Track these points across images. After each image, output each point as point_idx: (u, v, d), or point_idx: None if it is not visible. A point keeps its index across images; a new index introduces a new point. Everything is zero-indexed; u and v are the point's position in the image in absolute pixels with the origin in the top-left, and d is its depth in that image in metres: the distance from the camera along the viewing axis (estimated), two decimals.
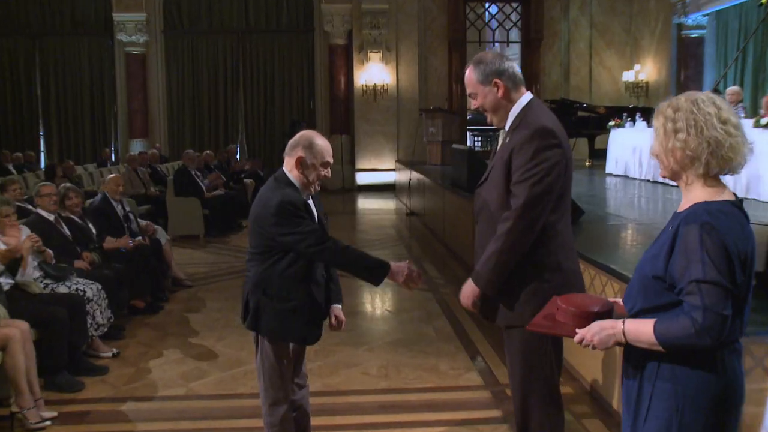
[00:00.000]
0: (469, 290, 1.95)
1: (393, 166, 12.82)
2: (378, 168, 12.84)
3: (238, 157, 11.77)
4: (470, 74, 1.95)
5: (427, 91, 12.93)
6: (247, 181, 9.89)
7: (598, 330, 1.40)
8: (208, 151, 9.59)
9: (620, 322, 1.39)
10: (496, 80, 1.92)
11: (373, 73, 12.48)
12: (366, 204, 11.19)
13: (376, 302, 4.96)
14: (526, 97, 1.94)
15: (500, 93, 1.92)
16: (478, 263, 1.92)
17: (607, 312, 1.46)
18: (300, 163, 2.13)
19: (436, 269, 5.77)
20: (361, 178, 12.76)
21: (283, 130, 12.74)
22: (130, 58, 12.63)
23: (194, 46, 12.91)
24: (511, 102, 1.93)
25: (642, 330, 1.34)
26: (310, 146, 2.12)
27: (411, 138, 12.30)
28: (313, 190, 2.18)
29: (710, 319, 1.23)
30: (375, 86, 12.52)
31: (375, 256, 2.15)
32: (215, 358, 3.70)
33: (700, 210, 1.29)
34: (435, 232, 7.50)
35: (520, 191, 1.83)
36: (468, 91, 1.99)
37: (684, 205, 1.36)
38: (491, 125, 2.05)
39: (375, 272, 2.08)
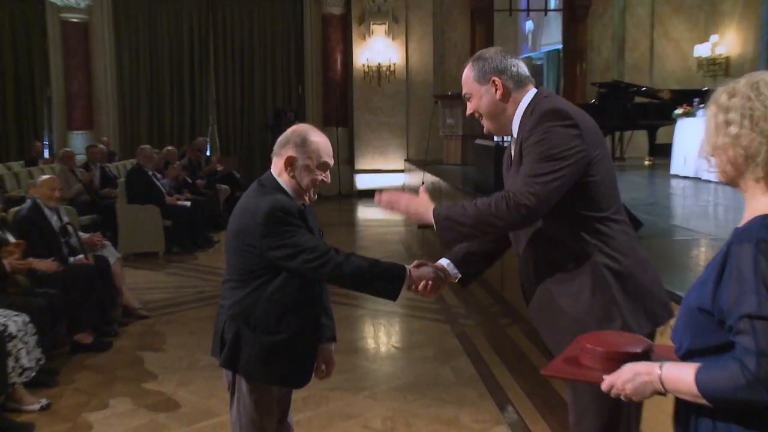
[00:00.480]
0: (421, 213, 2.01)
1: (401, 167, 12.87)
2: (382, 169, 12.90)
3: (208, 154, 11.85)
4: (467, 72, 2.04)
5: (444, 73, 13.01)
6: (220, 186, 9.97)
7: (631, 375, 1.36)
8: (169, 147, 9.64)
9: (658, 365, 1.34)
10: (495, 78, 1.98)
11: (377, 50, 12.56)
12: (367, 213, 11.23)
13: (380, 336, 4.95)
14: (531, 92, 2.00)
15: (498, 94, 1.98)
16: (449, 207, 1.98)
17: (644, 353, 1.43)
18: (290, 165, 2.15)
19: (454, 295, 5.75)
20: (362, 182, 12.82)
21: (265, 122, 12.84)
22: (68, 27, 12.33)
23: (152, 13, 12.90)
24: (514, 104, 1.99)
25: (682, 378, 1.29)
26: (303, 143, 2.14)
27: (424, 131, 12.35)
28: (308, 198, 2.20)
29: (766, 367, 1.17)
30: (379, 67, 12.60)
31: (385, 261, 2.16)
32: (176, 409, 3.67)
33: (757, 225, 1.25)
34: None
35: (523, 169, 1.89)
36: (463, 91, 2.05)
37: (745, 218, 1.32)
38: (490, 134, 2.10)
39: (392, 282, 2.09)
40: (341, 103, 12.91)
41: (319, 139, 2.17)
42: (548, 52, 16.82)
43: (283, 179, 2.17)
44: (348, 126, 13.23)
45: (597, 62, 12.94)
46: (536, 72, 17.63)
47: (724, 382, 1.22)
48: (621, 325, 1.85)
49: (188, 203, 8.10)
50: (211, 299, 5.79)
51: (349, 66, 12.92)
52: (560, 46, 13.96)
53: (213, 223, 9.10)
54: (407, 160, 12.76)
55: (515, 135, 2.00)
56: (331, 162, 2.19)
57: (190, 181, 8.97)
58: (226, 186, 10.14)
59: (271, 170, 2.20)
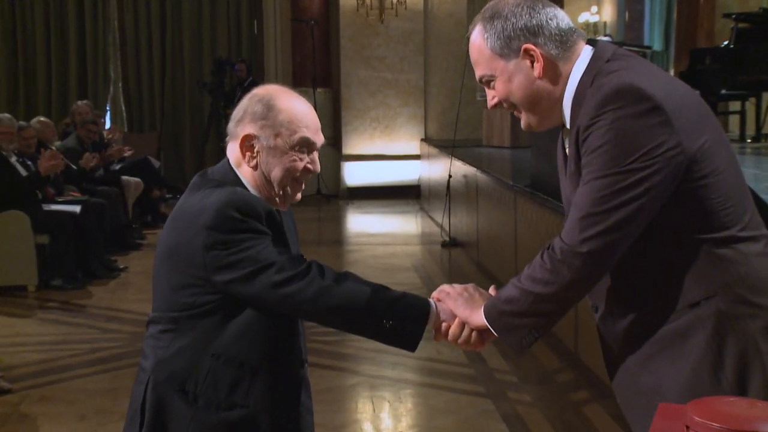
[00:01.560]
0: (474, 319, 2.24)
1: (416, 151, 13.04)
2: (386, 155, 13.09)
3: (108, 129, 12.05)
4: (478, 41, 2.10)
5: (484, 1, 13.17)
6: (129, 179, 10.16)
7: None
8: (41, 118, 9.81)
9: None
10: (527, 46, 2.04)
11: None
12: (364, 224, 11.34)
13: (383, 419, 5.06)
14: (584, 54, 2.07)
15: (537, 69, 2.05)
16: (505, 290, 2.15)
17: None
18: (250, 148, 2.25)
19: (501, 353, 5.92)
20: (354, 175, 13.01)
21: (199, 79, 13.06)
22: None
23: None
24: (562, 79, 2.07)
25: None
26: (266, 113, 2.24)
27: (451, 95, 12.52)
28: (283, 201, 2.31)
29: None
30: None
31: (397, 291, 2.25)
32: None
33: None
34: (502, 281, 7.60)
35: (581, 200, 1.98)
36: (477, 73, 2.12)
37: None
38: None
39: (408, 321, 2.20)
40: (321, 51, 13.11)
41: (292, 104, 2.26)
42: None
43: (243, 172, 2.27)
44: (331, 86, 13.43)
45: None
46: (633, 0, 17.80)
47: None
48: None
49: (76, 207, 8.30)
50: (114, 361, 5.89)
51: None
52: None
53: (116, 239, 9.24)
54: (426, 140, 12.93)
55: (568, 125, 2.07)
56: (318, 138, 2.28)
57: (76, 169, 9.15)
58: (137, 179, 10.32)
59: (227, 159, 2.30)
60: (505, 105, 2.12)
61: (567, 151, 2.10)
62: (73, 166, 9.10)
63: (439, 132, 12.95)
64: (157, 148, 12.97)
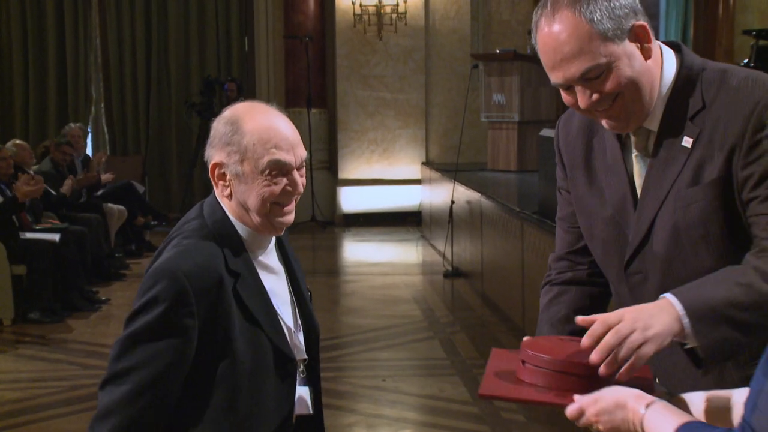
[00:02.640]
0: (661, 326, 1.90)
1: (417, 175, 13.06)
2: (384, 179, 13.09)
3: (90, 152, 12.04)
4: (579, 26, 1.94)
5: (489, 16, 13.25)
6: (111, 205, 10.16)
7: (611, 406, 1.69)
8: (17, 141, 9.83)
9: (645, 404, 1.68)
10: (641, 24, 1.98)
11: None
12: (361, 253, 11.36)
13: None
14: (665, 47, 2.09)
15: (649, 50, 2.01)
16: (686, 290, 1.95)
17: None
18: (221, 178, 2.27)
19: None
20: (350, 201, 12.99)
21: (187, 99, 13.10)
22: None
23: None
24: (658, 65, 2.05)
25: (662, 427, 1.63)
26: (232, 134, 2.24)
27: (454, 116, 12.55)
28: (269, 229, 2.28)
29: None
30: (380, 6, 12.85)
31: None
32: None
33: None
34: (507, 314, 7.66)
35: None
36: (580, 67, 1.95)
37: None
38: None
39: None
40: (315, 70, 13.16)
41: (258, 124, 2.23)
42: None
43: (225, 204, 2.29)
44: (326, 107, 13.44)
45: None
46: (649, 12, 17.78)
47: None
48: None
49: (55, 235, 8.29)
50: (94, 400, 5.88)
51: (327, 6, 13.16)
52: None
53: (98, 269, 9.22)
54: (427, 163, 12.93)
55: (654, 126, 2.04)
56: (292, 157, 2.22)
57: (55, 195, 9.16)
58: (120, 207, 10.34)
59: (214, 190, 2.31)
60: (605, 104, 1.99)
61: (635, 155, 2.08)
62: (52, 192, 9.10)
63: (441, 155, 12.96)
64: (142, 173, 12.96)
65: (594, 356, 1.82)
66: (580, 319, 1.89)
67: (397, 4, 12.81)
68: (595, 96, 1.97)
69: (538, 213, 6.88)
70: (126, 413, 2.16)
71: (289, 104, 13.00)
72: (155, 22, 13.53)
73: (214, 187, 2.28)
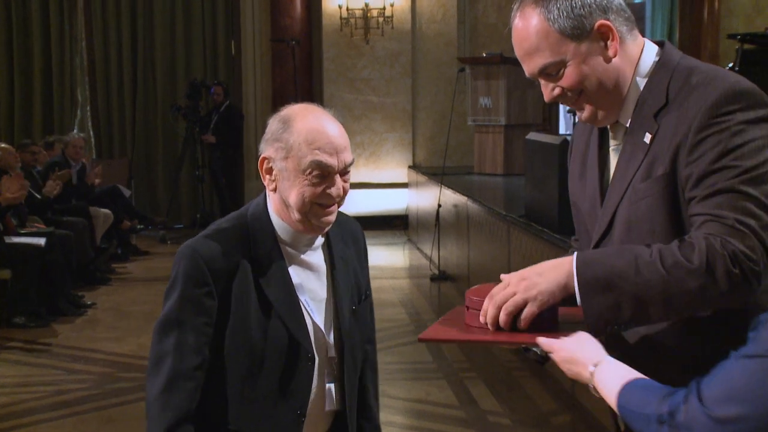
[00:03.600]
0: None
1: (403, 178, 13.09)
2: (371, 182, 13.13)
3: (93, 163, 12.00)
4: (539, 24, 1.99)
5: (475, 20, 13.30)
6: (97, 209, 10.14)
7: (566, 360, 1.94)
8: (2, 145, 9.73)
9: (593, 363, 1.90)
10: (604, 23, 1.99)
11: None
12: None
13: None
14: (650, 46, 2.07)
15: (614, 48, 2.01)
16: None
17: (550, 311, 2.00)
18: (268, 173, 2.34)
19: (492, 393, 5.94)
20: None
21: (172, 103, 13.06)
22: None
23: None
24: (631, 63, 2.04)
25: (607, 392, 1.85)
26: (282, 132, 2.30)
27: (440, 119, 12.58)
28: (308, 227, 2.34)
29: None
30: (367, 10, 12.90)
31: None
32: None
33: None
34: None
35: (718, 205, 1.88)
36: (538, 63, 2.01)
37: None
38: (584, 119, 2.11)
39: None
40: (302, 73, 13.16)
41: (308, 125, 2.29)
42: None
43: (270, 197, 2.39)
44: None
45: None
46: (635, 15, 17.91)
47: (638, 422, 1.74)
48: None
49: (41, 240, 8.29)
50: (79, 405, 5.88)
51: (314, 9, 13.20)
52: None
53: (84, 273, 9.23)
54: (414, 167, 12.98)
55: (626, 120, 2.05)
56: (335, 161, 2.27)
57: (39, 198, 9.13)
58: (106, 210, 10.33)
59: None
60: (569, 95, 2.04)
61: (617, 154, 2.09)
62: (37, 195, 9.09)
63: (428, 159, 13.00)
64: (128, 176, 12.95)
65: (480, 319, 1.98)
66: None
67: (384, 8, 12.86)
68: (556, 90, 2.03)
69: (524, 216, 6.92)
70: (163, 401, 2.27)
71: (275, 107, 12.79)
72: (141, 25, 13.52)
73: (263, 180, 2.36)
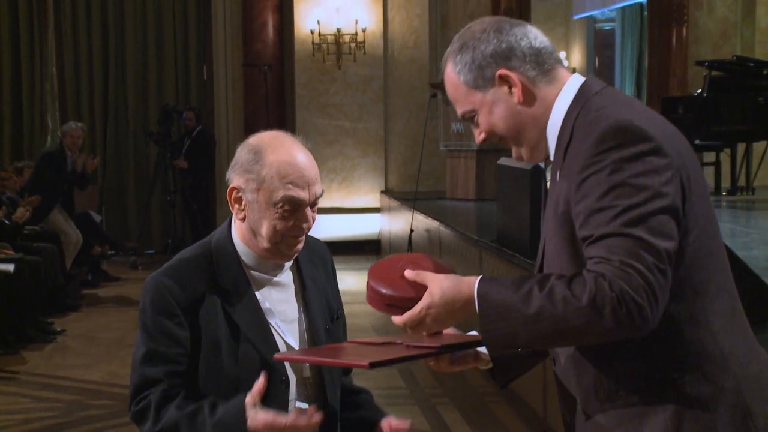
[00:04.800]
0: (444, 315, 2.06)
1: (376, 203, 13.11)
2: (344, 207, 13.16)
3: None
4: (451, 75, 2.12)
5: (447, 46, 13.31)
6: (68, 231, 10.10)
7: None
8: None
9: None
10: (503, 72, 2.05)
11: (335, 6, 12.93)
12: None
13: None
14: (574, 82, 2.09)
15: (517, 95, 2.06)
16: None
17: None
18: (236, 202, 2.38)
19: (464, 419, 5.95)
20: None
21: (144, 128, 13.05)
22: None
23: None
24: (545, 104, 2.08)
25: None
26: (253, 162, 2.33)
27: (413, 145, 12.64)
28: (278, 256, 2.39)
29: None
30: (339, 36, 12.96)
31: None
32: None
33: None
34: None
35: (605, 248, 1.90)
36: (458, 111, 2.15)
37: None
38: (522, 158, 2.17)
39: None
40: (274, 98, 13.19)
41: (280, 157, 2.32)
42: (624, 8, 17.37)
43: (236, 225, 2.42)
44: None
45: (707, 26, 13.33)
46: (605, 42, 18.14)
47: None
48: None
49: (9, 266, 8.22)
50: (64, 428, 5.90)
51: (286, 34, 13.25)
52: (644, 0, 14.46)
53: (53, 299, 9.16)
54: (386, 192, 13.02)
55: (551, 156, 2.09)
56: (306, 195, 2.32)
57: (9, 225, 9.09)
58: (77, 231, 10.32)
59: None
60: (494, 139, 2.13)
61: (548, 184, 2.14)
62: (6, 221, 9.04)
63: (401, 184, 13.05)
64: (99, 202, 12.90)
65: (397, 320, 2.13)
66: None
67: (356, 33, 12.92)
68: (481, 135, 2.14)
69: (496, 241, 6.94)
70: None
71: (248, 133, 12.67)
72: (112, 50, 13.53)
73: (231, 209, 2.39)
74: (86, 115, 13.50)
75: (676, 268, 1.92)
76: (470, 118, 2.12)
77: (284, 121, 13.32)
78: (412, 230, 9.72)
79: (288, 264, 2.48)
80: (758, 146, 11.30)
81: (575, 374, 2.07)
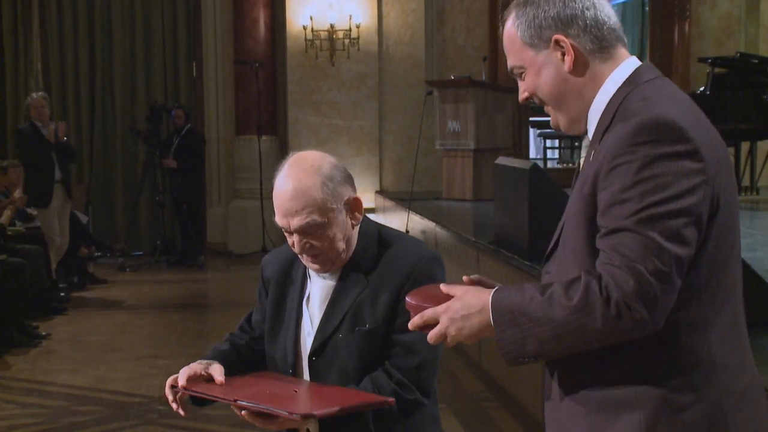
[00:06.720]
0: (471, 321, 2.05)
1: (371, 203, 13.06)
2: None
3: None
4: (510, 29, 2.14)
5: (443, 42, 13.38)
6: (53, 235, 10.08)
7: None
8: None
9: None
10: (558, 37, 2.07)
11: (328, 1, 12.93)
12: None
13: None
14: (627, 66, 2.10)
15: (568, 62, 2.08)
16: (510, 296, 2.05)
17: None
18: None
19: (462, 426, 5.93)
20: None
21: (132, 127, 13.03)
22: None
23: None
24: (594, 80, 2.10)
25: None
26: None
27: (408, 143, 12.62)
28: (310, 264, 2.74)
29: None
30: (332, 31, 12.93)
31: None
32: None
33: None
34: (463, 348, 7.63)
35: (614, 245, 1.93)
36: (509, 63, 2.17)
37: None
38: (561, 130, 2.21)
39: None
40: (266, 96, 13.17)
41: (277, 182, 2.60)
42: (626, 4, 17.38)
43: None
44: (277, 134, 13.46)
45: (710, 22, 13.33)
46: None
47: None
48: None
49: None
50: None
51: (278, 30, 13.23)
52: None
53: (38, 302, 9.15)
54: (381, 192, 13.01)
55: (590, 133, 2.11)
56: (287, 223, 2.58)
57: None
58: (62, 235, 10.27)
59: None
60: (535, 100, 2.17)
61: (581, 163, 2.15)
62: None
63: (396, 183, 13.02)
64: (85, 202, 12.87)
65: (411, 326, 2.12)
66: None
67: (350, 29, 12.87)
68: (524, 94, 2.18)
69: (493, 243, 6.94)
70: None
71: (239, 131, 13.04)
72: (100, 46, 13.50)
73: None
74: (72, 112, 13.48)
75: (686, 274, 1.93)
76: (519, 74, 2.16)
77: (276, 120, 13.34)
78: (407, 231, 9.71)
79: (338, 271, 2.73)
80: (762, 145, 11.25)
81: (562, 360, 2.08)
